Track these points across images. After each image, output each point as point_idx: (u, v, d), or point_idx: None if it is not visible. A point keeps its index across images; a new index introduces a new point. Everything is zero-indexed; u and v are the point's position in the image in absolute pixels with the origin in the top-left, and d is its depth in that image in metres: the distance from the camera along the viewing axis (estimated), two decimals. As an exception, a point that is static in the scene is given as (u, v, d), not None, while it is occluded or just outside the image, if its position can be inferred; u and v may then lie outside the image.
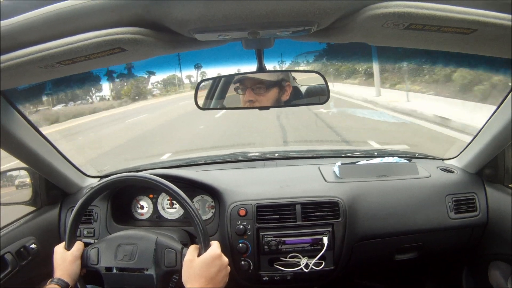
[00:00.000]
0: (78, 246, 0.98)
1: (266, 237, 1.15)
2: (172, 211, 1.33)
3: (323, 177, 1.31)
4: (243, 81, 1.01)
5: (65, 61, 0.60)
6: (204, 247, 0.91)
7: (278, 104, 1.03)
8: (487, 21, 0.53)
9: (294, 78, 1.05)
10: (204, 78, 1.09)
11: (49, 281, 0.93)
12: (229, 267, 0.94)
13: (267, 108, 1.00)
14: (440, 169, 1.37)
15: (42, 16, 0.55)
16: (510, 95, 1.04)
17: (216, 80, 1.07)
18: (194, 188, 1.27)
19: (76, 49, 0.57)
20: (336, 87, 12.54)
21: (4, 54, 0.58)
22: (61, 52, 0.57)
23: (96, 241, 1.09)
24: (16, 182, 1.39)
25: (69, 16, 0.55)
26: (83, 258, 0.98)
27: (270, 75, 0.99)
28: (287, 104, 1.04)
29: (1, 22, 0.55)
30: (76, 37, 0.56)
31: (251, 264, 1.17)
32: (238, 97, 1.03)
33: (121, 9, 0.55)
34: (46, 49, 0.57)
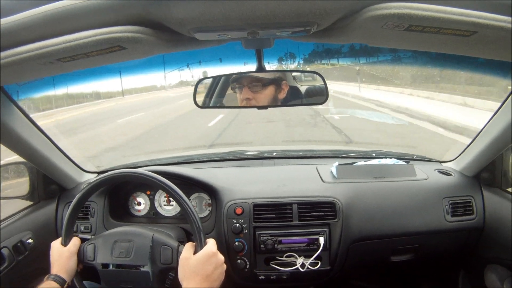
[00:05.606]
0: (74, 241, 0.98)
1: (262, 236, 1.15)
2: (169, 208, 1.33)
3: (321, 177, 1.32)
4: (240, 79, 1.02)
5: (64, 58, 0.60)
6: (200, 244, 0.91)
7: (275, 103, 1.03)
8: (487, 23, 0.52)
9: (294, 78, 1.05)
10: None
11: (45, 277, 0.92)
12: (225, 265, 0.94)
13: (265, 107, 1.00)
14: (438, 171, 1.38)
15: (42, 14, 0.55)
16: (509, 98, 1.04)
17: (216, 79, 1.07)
18: (191, 185, 1.27)
19: (75, 46, 0.56)
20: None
21: (4, 50, 0.58)
22: (60, 49, 0.57)
23: (92, 237, 1.08)
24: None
25: (69, 14, 0.55)
26: (80, 254, 0.97)
27: (267, 73, 0.99)
28: (285, 103, 1.04)
29: (2, 19, 0.55)
30: (76, 35, 0.56)
31: (247, 263, 1.17)
32: (236, 96, 1.03)
33: (121, 8, 0.55)
34: (46, 46, 0.57)
